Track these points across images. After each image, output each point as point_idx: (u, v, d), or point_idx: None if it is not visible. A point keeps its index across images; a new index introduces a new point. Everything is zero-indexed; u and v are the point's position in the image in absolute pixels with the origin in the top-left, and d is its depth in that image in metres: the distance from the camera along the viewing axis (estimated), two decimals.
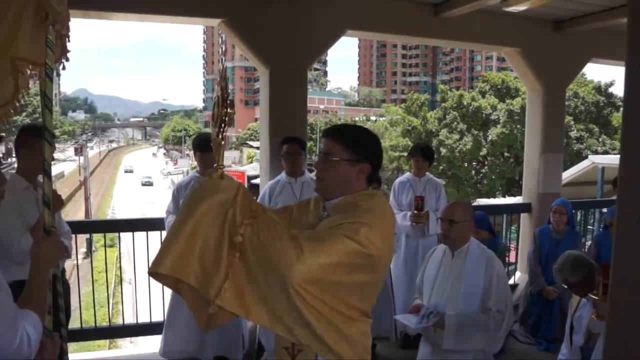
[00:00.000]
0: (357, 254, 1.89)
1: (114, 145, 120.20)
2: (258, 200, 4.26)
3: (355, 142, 2.09)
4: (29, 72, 2.24)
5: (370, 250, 1.90)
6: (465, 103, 31.91)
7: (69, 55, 2.37)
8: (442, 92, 34.84)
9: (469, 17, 5.47)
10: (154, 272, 1.92)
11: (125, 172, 57.55)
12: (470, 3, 5.09)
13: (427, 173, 5.41)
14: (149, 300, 5.17)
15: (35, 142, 2.93)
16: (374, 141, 2.18)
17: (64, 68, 2.33)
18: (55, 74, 2.20)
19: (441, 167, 30.58)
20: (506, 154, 31.25)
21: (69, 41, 2.29)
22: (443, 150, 30.55)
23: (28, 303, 1.83)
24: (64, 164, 63.82)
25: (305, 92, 5.30)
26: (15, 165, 3.44)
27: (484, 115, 31.34)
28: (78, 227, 4.88)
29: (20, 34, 2.16)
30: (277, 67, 5.10)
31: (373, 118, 53.71)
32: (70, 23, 2.22)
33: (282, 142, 4.75)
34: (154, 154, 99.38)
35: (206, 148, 4.38)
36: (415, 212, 5.09)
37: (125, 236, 5.46)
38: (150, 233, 5.13)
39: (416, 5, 5.47)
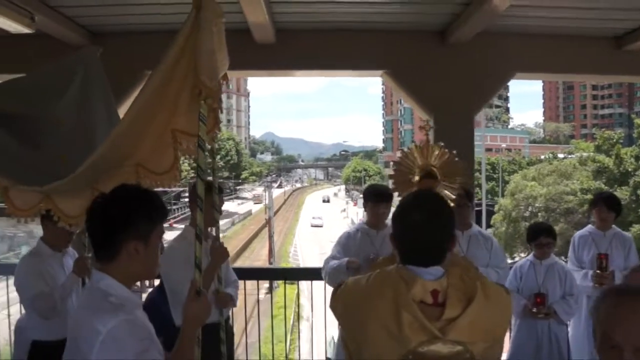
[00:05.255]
0: None
1: (298, 185, 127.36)
2: None
3: None
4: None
5: None
6: None
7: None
8: (637, 126, 30.71)
9: None
10: None
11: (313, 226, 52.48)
12: None
13: (614, 226, 4.79)
14: (325, 338, 5.33)
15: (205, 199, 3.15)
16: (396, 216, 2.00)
17: (216, 137, 2.50)
18: (207, 144, 2.40)
19: None
20: None
21: (221, 112, 2.46)
22: None
23: (177, 356, 2.04)
24: (251, 203, 69.15)
25: (472, 138, 5.17)
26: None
27: None
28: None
29: (179, 110, 2.40)
30: (442, 113, 5.02)
31: (561, 155, 49.74)
32: (222, 96, 2.41)
33: None
34: (335, 194, 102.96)
35: (379, 199, 4.26)
36: (598, 271, 4.49)
37: None
38: None
39: (593, 40, 5.02)
